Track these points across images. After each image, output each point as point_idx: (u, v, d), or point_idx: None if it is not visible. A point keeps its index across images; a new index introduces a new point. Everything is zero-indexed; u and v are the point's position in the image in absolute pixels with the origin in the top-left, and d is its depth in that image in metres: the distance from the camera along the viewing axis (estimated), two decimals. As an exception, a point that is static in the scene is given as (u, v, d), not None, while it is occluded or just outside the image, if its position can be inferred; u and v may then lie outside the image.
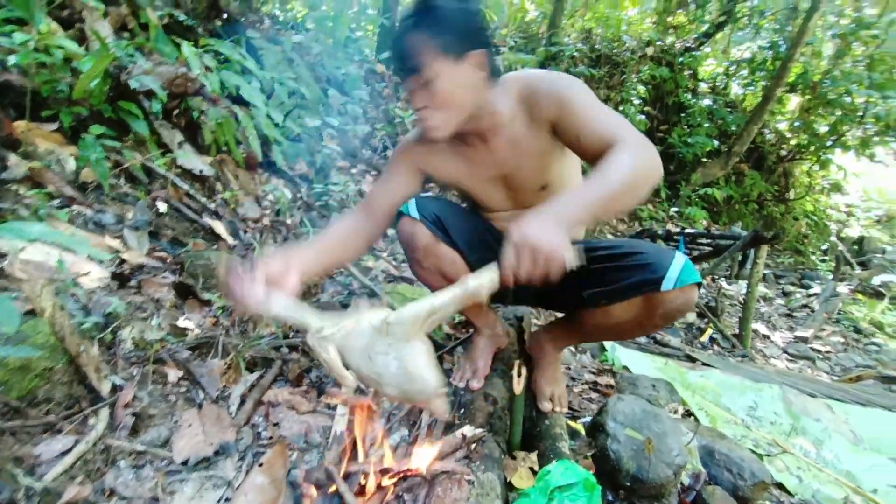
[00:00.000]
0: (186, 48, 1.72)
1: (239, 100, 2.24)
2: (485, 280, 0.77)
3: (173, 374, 1.09)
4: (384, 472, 0.85)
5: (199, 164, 1.94)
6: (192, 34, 2.38)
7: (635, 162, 0.86)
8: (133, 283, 1.29)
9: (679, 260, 1.00)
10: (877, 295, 5.14)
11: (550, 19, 6.23)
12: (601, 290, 1.06)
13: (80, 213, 1.41)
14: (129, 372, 1.04)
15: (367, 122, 3.82)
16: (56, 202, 1.39)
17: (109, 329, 1.07)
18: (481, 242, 1.20)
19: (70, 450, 0.80)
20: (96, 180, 1.52)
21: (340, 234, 1.13)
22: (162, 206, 1.64)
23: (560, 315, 1.42)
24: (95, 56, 1.46)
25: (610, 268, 1.05)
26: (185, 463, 0.89)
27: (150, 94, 1.79)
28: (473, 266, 1.19)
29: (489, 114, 1.05)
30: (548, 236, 0.75)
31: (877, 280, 5.50)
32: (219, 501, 0.84)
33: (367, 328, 0.81)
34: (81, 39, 1.79)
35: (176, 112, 1.97)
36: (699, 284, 1.02)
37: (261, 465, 0.89)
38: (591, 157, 0.97)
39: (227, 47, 2.07)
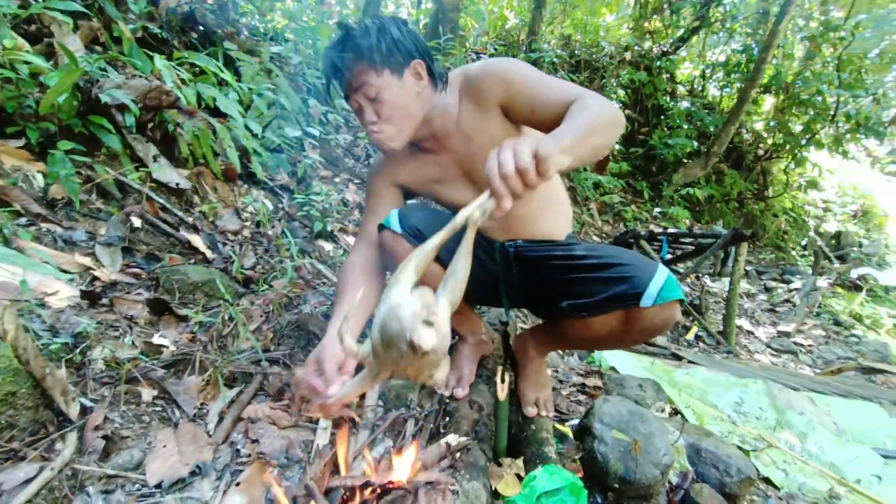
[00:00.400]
0: (159, 61, 1.69)
1: (216, 112, 2.21)
2: (473, 206, 0.70)
3: (147, 393, 1.05)
4: (365, 486, 0.83)
5: (176, 177, 1.90)
6: (167, 47, 2.35)
7: (599, 106, 0.86)
8: (105, 300, 1.25)
9: (661, 275, 0.98)
10: (855, 288, 5.27)
11: (530, 26, 6.32)
12: (581, 301, 1.05)
13: (49, 231, 1.37)
14: (101, 393, 1.00)
15: (350, 130, 3.81)
16: (23, 220, 1.34)
17: (79, 349, 1.03)
18: None
19: (34, 477, 0.76)
20: (66, 197, 1.48)
21: (363, 278, 1.13)
22: (136, 222, 1.60)
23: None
24: (63, 70, 1.43)
25: (591, 278, 1.04)
26: (159, 485, 0.86)
27: (122, 108, 1.75)
28: None
29: (438, 116, 1.07)
30: (532, 141, 0.70)
31: (854, 273, 5.65)
32: (194, 524, 0.81)
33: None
34: (50, 54, 1.75)
35: (150, 125, 1.93)
36: (681, 301, 1.01)
37: (238, 484, 0.86)
38: (551, 125, 0.91)
39: (202, 59, 2.04)
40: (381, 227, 1.11)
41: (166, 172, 1.87)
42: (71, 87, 1.45)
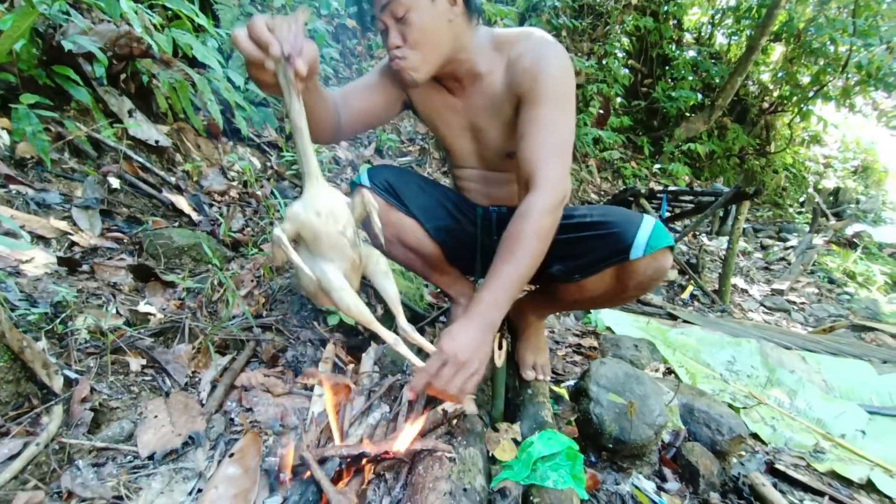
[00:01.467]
0: (124, 3, 1.53)
1: (195, 62, 2.05)
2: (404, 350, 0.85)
3: (135, 363, 1.03)
4: (360, 456, 0.82)
5: (155, 133, 1.79)
6: (135, -13, 2.15)
7: (539, 233, 0.87)
8: (85, 267, 1.20)
9: (647, 225, 0.97)
10: (850, 245, 5.28)
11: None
12: (572, 263, 1.04)
13: (20, 193, 1.29)
14: (86, 364, 0.97)
15: (340, 82, 3.61)
16: (-10, 182, 1.26)
17: (59, 319, 0.99)
18: (438, 210, 1.18)
19: (19, 453, 0.74)
20: (36, 156, 1.38)
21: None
22: (114, 182, 1.51)
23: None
24: (17, 13, 1.29)
25: (579, 238, 1.02)
26: (151, 457, 0.85)
27: (91, 58, 1.61)
28: (432, 234, 1.16)
29: (468, 59, 1.00)
30: (476, 355, 0.80)
31: (850, 230, 5.65)
32: (189, 494, 0.80)
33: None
34: (4, -4, 1.59)
35: (123, 77, 1.79)
36: (671, 248, 1.00)
37: (231, 454, 0.85)
38: (516, 164, 0.97)
39: (174, 2, 1.86)
40: (353, 185, 1.11)
41: (144, 128, 1.75)
42: (28, 33, 1.32)
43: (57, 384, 0.87)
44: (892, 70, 6.16)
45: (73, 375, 0.92)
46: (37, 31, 1.51)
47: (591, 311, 2.23)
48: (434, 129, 1.17)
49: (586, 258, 1.02)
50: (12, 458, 0.73)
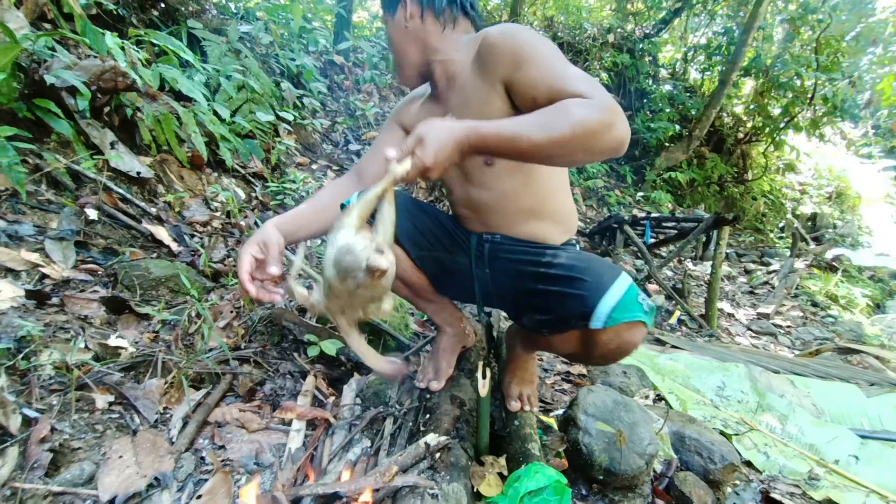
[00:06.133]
0: (109, 39, 1.56)
1: (181, 96, 2.08)
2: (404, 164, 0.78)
3: (102, 399, 0.97)
4: (335, 497, 0.78)
5: (137, 165, 1.78)
6: (123, 25, 2.20)
7: (591, 114, 0.74)
8: (55, 300, 1.15)
9: (616, 291, 0.86)
10: (830, 268, 5.40)
11: (512, 7, 6.18)
12: (539, 318, 0.99)
13: (-8, 225, 1.26)
14: (48, 402, 0.92)
15: (327, 115, 3.67)
16: (-39, 213, 1.23)
17: (22, 355, 0.94)
18: (424, 239, 1.14)
19: (-34, 500, 0.69)
20: (11, 187, 1.36)
21: (332, 195, 1.12)
22: (92, 214, 1.49)
23: None
24: None
25: (550, 292, 0.95)
26: (112, 501, 0.79)
27: (74, 91, 1.62)
28: (417, 263, 1.14)
29: (441, 62, 1.04)
30: (439, 148, 0.74)
31: (829, 254, 5.79)
32: (152, 542, 0.75)
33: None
34: (-10, 31, 1.61)
35: (107, 110, 1.80)
36: (643, 322, 0.87)
37: (199, 496, 0.80)
38: (497, 175, 0.97)
39: (162, 38, 1.90)
40: (342, 207, 1.10)
41: (126, 160, 1.75)
42: (10, 67, 1.32)
43: (14, 424, 0.82)
44: (856, 102, 6.50)
45: (32, 414, 0.87)
46: (19, 66, 1.52)
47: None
48: None
49: (552, 315, 0.95)
50: (-44, 506, 0.68)
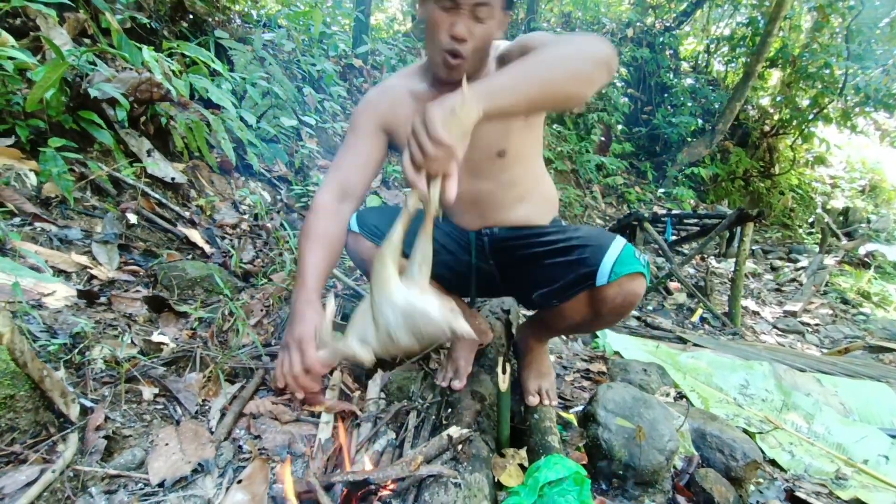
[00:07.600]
0: (147, 52, 1.65)
1: (210, 103, 2.17)
2: (413, 199, 0.77)
3: (148, 391, 1.05)
4: (365, 483, 0.82)
5: (171, 171, 1.88)
6: (156, 37, 2.31)
7: (576, 46, 0.79)
8: (103, 299, 1.24)
9: (614, 250, 0.95)
10: (863, 265, 5.21)
11: (529, 4, 6.16)
12: (547, 289, 1.03)
13: (44, 230, 1.36)
14: (101, 393, 1.00)
15: (347, 118, 3.75)
16: (17, 220, 1.33)
17: (77, 350, 1.03)
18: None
19: (36, 480, 0.76)
20: (60, 195, 1.46)
21: (328, 226, 1.02)
22: (132, 218, 1.59)
23: None
24: (49, 65, 1.40)
25: (554, 264, 1.02)
26: (161, 484, 0.86)
27: (113, 103, 1.72)
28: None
29: (482, 67, 1.02)
30: (442, 136, 0.69)
31: (862, 250, 5.58)
32: (198, 522, 0.81)
33: (363, 305, 0.82)
34: (37, 49, 1.72)
35: (143, 119, 1.91)
36: (642, 273, 0.96)
37: (240, 481, 0.86)
38: (507, 162, 0.99)
39: (192, 49, 1.99)
40: (350, 231, 1.10)
41: (161, 167, 1.84)
42: (58, 82, 1.42)
43: (73, 412, 0.89)
44: (890, 92, 6.24)
45: (88, 404, 0.94)
46: (65, 80, 1.62)
47: (598, 334, 2.22)
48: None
49: (559, 283, 1.00)
50: (29, 484, 0.75)
